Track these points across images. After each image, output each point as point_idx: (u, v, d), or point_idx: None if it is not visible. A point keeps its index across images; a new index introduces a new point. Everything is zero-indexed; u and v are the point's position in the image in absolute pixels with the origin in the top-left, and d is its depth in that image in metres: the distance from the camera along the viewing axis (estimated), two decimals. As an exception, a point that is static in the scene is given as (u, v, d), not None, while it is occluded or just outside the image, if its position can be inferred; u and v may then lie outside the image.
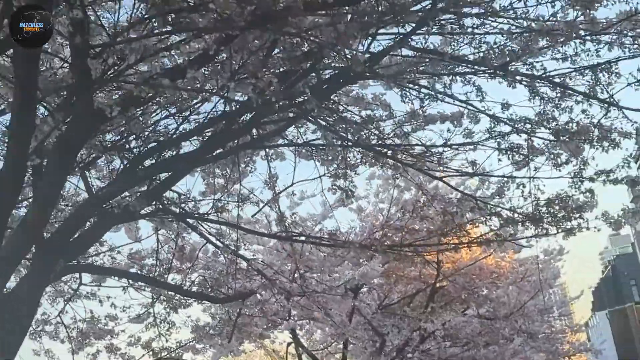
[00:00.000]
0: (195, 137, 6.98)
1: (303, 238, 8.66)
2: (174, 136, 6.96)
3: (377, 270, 13.47)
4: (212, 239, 7.86)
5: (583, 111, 6.45)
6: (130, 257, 8.28)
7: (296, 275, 9.25)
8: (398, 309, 15.74)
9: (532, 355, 22.72)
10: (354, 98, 6.56)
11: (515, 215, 7.96)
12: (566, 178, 7.23)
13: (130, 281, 8.32)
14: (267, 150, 7.36)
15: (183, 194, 7.58)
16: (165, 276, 8.25)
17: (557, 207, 7.35)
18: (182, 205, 7.53)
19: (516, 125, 6.69)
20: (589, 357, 34.66)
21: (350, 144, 6.99)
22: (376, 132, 7.03)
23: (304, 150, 7.48)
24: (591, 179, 7.16)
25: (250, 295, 8.52)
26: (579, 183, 7.19)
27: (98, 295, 9.42)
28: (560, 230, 7.80)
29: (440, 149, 7.40)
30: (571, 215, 7.41)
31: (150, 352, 9.49)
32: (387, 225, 8.13)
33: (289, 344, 14.91)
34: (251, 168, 7.61)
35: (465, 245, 9.10)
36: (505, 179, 7.77)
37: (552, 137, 6.70)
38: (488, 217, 7.95)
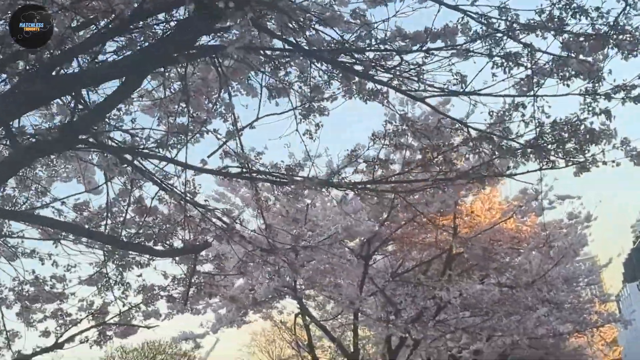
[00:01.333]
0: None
1: (256, 176, 7.32)
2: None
3: (364, 224, 12.56)
4: (178, 193, 6.88)
5: (597, 9, 5.36)
6: (76, 208, 7.36)
7: (262, 224, 8.18)
8: (412, 277, 14.92)
9: (557, 326, 21.88)
10: (331, 17, 5.62)
11: (514, 143, 6.68)
12: (576, 96, 5.99)
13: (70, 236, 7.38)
14: (218, 57, 6.12)
15: (134, 132, 6.49)
16: (119, 231, 7.38)
17: (565, 135, 6.15)
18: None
19: (515, 28, 5.54)
20: (618, 327, 33.71)
21: (313, 56, 5.97)
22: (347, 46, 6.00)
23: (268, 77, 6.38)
24: (607, 96, 5.89)
25: (204, 247, 7.66)
26: (592, 102, 5.94)
27: (39, 253, 8.32)
28: (570, 163, 6.47)
29: (420, 59, 6.08)
30: (583, 145, 6.17)
31: (102, 318, 8.51)
32: (353, 156, 6.80)
33: (296, 315, 14.20)
34: (215, 105, 6.58)
35: (452, 181, 7.80)
36: (503, 99, 6.42)
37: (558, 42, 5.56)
38: (480, 146, 6.61)
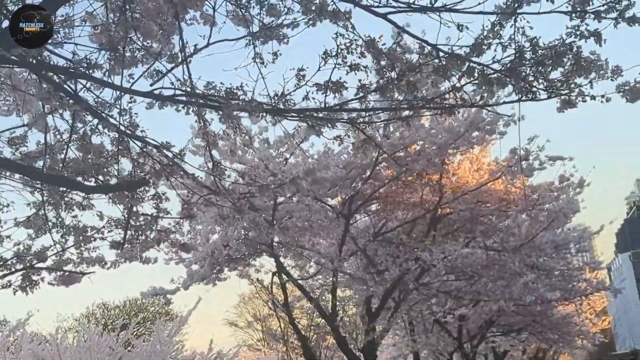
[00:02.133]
0: None
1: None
2: None
3: (332, 170, 11.98)
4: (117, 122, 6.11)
5: None
6: (11, 143, 6.69)
7: (209, 163, 7.44)
8: (395, 237, 14.39)
9: (545, 293, 21.52)
10: None
11: (489, 70, 5.68)
12: (562, 15, 5.11)
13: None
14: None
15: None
16: (59, 169, 6.71)
17: (549, 62, 5.42)
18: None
19: None
20: (608, 297, 33.51)
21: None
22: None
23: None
24: (597, 16, 5.08)
25: (140, 185, 7.04)
26: (580, 22, 5.07)
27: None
28: (553, 95, 5.63)
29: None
30: (569, 76, 5.35)
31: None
32: (300, 76, 5.80)
33: (274, 273, 13.70)
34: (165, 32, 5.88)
35: (416, 109, 6.53)
36: (478, 18, 5.46)
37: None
38: (448, 69, 5.66)
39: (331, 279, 14.29)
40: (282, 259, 14.26)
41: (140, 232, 7.64)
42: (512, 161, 13.73)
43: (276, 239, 13.32)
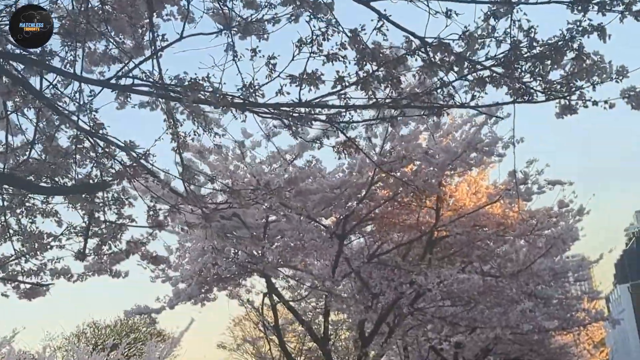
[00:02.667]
0: None
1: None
2: None
3: (317, 181, 11.68)
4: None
5: None
6: None
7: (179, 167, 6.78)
8: (390, 260, 14.05)
9: (543, 322, 21.13)
10: None
11: (481, 66, 5.17)
12: (562, 5, 4.64)
13: None
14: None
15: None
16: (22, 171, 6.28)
17: (548, 61, 5.03)
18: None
19: None
20: (607, 328, 33.02)
21: None
22: None
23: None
24: (601, 8, 4.61)
25: (101, 188, 6.61)
26: (583, 16, 4.58)
27: None
28: (551, 97, 5.16)
29: None
30: (570, 79, 4.91)
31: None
32: (271, 65, 5.10)
33: (265, 295, 13.32)
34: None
35: (399, 108, 5.83)
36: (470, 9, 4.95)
37: None
38: (435, 64, 5.05)
39: (324, 301, 13.90)
40: (273, 280, 13.87)
41: (103, 241, 7.19)
42: (510, 184, 13.45)
43: (269, 258, 12.98)
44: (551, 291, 20.29)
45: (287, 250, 13.06)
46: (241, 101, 5.55)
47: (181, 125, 6.16)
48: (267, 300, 13.61)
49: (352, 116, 5.97)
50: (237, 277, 13.58)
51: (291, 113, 5.79)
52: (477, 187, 14.70)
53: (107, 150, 6.22)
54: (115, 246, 7.25)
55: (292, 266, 13.79)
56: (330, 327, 15.65)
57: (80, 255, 7.06)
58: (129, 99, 5.89)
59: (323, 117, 6.07)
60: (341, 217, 13.27)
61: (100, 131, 5.86)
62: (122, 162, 6.27)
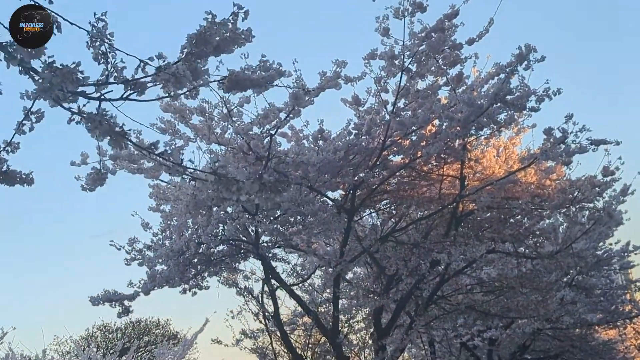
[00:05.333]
0: None
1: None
2: None
3: (310, 153, 9.96)
4: None
5: None
6: None
7: None
8: (407, 237, 12.15)
9: (585, 314, 19.12)
10: None
11: None
12: None
13: None
14: None
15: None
16: None
17: None
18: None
19: None
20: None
21: None
22: None
23: None
24: None
25: None
26: None
27: None
28: None
29: None
30: None
31: None
32: None
33: (264, 281, 11.47)
34: None
35: None
36: None
37: None
38: None
39: (332, 288, 12.03)
40: (273, 263, 12.03)
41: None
42: (546, 144, 11.40)
43: (264, 236, 11.17)
44: (594, 280, 18.34)
45: (286, 227, 11.23)
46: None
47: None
48: (267, 288, 11.75)
49: None
50: (230, 260, 11.77)
51: None
52: (508, 153, 12.73)
53: None
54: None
55: (293, 246, 11.94)
56: (342, 318, 13.79)
57: None
58: None
59: None
60: (349, 188, 11.41)
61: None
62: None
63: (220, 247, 11.53)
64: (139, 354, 30.38)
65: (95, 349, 28.96)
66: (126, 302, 10.25)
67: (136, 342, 24.62)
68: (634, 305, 20.50)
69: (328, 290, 13.22)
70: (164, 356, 23.76)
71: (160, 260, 10.39)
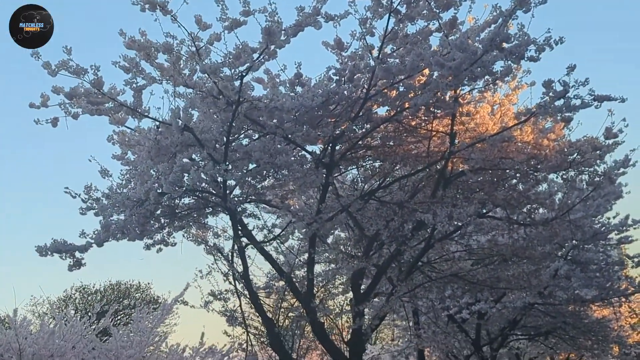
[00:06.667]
0: None
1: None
2: None
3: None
4: None
5: None
6: None
7: None
8: (391, 196, 11.27)
9: (579, 290, 18.38)
10: None
11: None
12: None
13: None
14: None
15: None
16: None
17: None
18: None
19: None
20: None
21: None
22: None
23: None
24: None
25: None
26: None
27: None
28: None
29: None
30: None
31: None
32: None
33: (233, 238, 10.59)
34: None
35: None
36: None
37: None
38: None
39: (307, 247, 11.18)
40: (245, 220, 11.13)
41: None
42: (546, 101, 10.44)
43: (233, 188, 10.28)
44: (590, 254, 17.54)
45: (258, 180, 10.34)
46: None
47: None
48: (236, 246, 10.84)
49: None
50: (197, 214, 10.90)
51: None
52: (504, 110, 11.80)
53: None
54: None
55: (266, 202, 11.07)
56: (320, 280, 12.95)
57: None
58: None
59: None
60: (329, 141, 10.51)
61: None
62: None
63: (188, 200, 10.67)
64: (118, 317, 29.65)
65: (73, 311, 28.26)
66: (77, 254, 9.38)
67: (115, 305, 23.67)
68: (629, 282, 19.68)
69: (305, 253, 12.39)
70: (142, 320, 22.97)
71: (117, 210, 9.50)
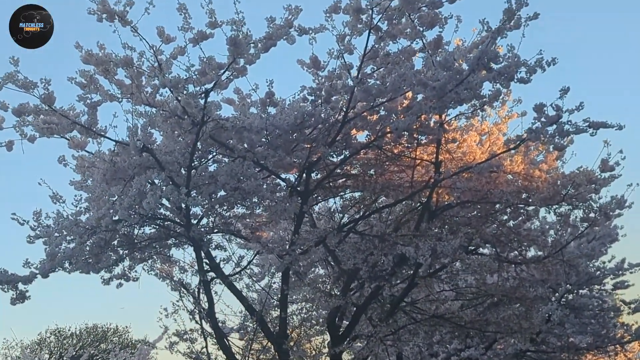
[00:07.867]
0: None
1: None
2: None
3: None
4: None
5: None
6: None
7: None
8: (370, 228, 10.44)
9: (574, 336, 17.45)
10: None
11: None
12: None
13: None
14: None
15: None
16: None
17: None
18: None
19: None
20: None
21: None
22: None
23: None
24: None
25: None
26: None
27: None
28: None
29: None
30: None
31: None
32: None
33: (198, 271, 9.69)
34: None
35: None
36: None
37: None
38: None
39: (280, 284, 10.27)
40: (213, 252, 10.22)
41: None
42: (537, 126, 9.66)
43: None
44: (585, 299, 16.70)
45: (225, 208, 9.50)
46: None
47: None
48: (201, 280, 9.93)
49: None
50: (160, 246, 10.01)
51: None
52: (493, 139, 11.05)
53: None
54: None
55: (234, 232, 10.20)
56: (296, 319, 11.98)
57: None
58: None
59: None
60: (304, 168, 9.71)
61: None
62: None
63: (149, 230, 9.79)
64: (95, 361, 28.45)
65: (47, 355, 27.12)
66: (21, 286, 8.44)
67: (90, 349, 22.64)
68: (625, 329, 18.78)
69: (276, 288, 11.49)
70: (117, 366, 21.92)
71: (65, 237, 8.59)
